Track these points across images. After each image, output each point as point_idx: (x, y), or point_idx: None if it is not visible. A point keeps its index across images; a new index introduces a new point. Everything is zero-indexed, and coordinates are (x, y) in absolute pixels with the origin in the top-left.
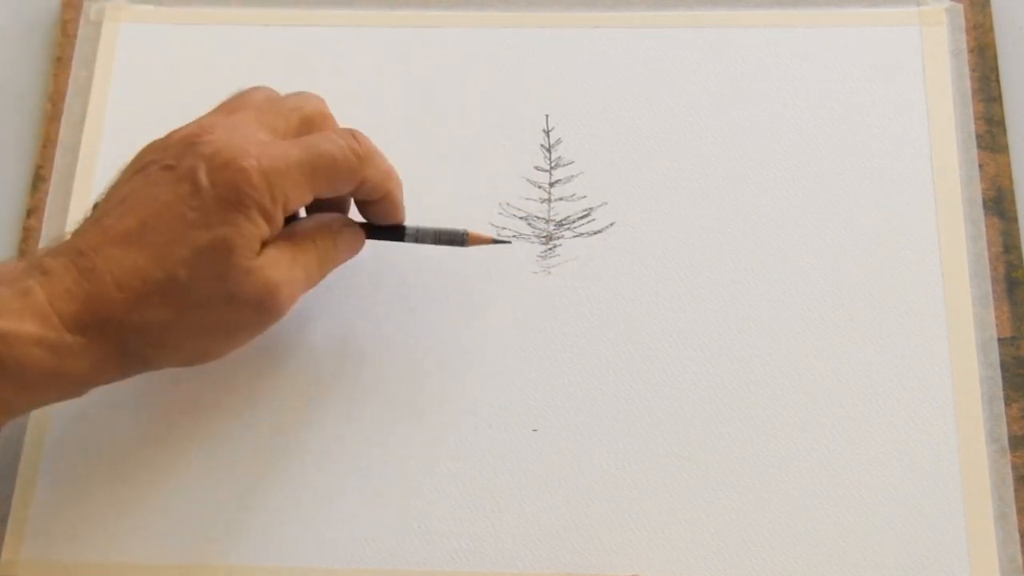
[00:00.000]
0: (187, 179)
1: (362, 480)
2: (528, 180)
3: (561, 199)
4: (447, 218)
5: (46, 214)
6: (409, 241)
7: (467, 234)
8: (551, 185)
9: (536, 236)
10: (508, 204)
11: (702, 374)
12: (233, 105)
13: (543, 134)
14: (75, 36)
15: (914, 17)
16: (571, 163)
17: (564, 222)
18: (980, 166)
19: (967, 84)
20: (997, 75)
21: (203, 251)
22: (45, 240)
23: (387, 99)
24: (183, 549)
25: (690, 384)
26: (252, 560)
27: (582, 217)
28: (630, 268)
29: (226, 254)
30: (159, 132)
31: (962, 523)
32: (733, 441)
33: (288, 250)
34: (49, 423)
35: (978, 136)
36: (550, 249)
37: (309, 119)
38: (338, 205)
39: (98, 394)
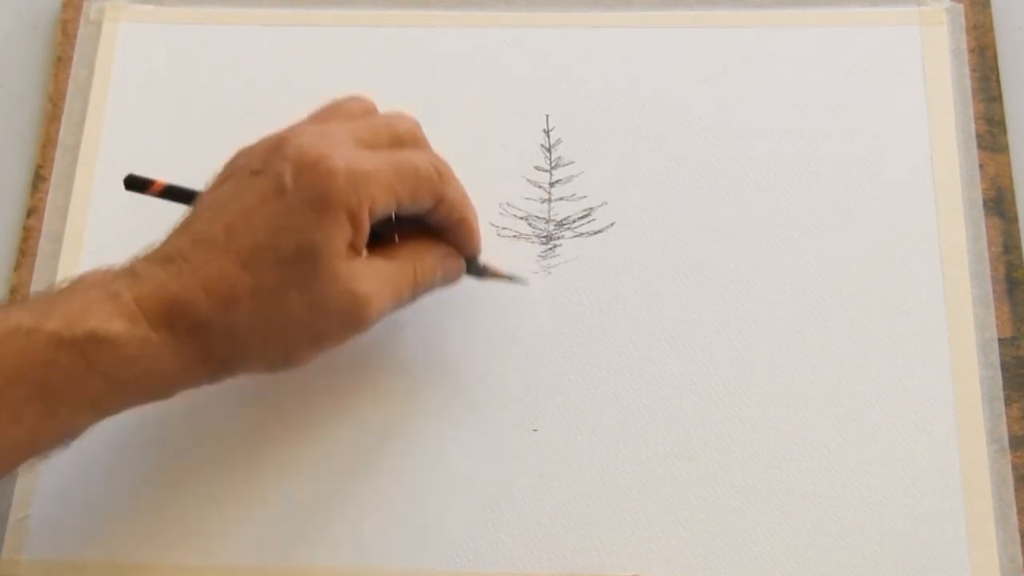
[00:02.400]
0: (273, 182)
1: (362, 480)
2: (528, 180)
3: (561, 199)
4: None
5: (46, 214)
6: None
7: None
8: (551, 185)
9: (536, 236)
10: (508, 204)
11: (702, 374)
12: (325, 114)
13: (543, 134)
14: (75, 36)
15: (914, 17)
16: (571, 163)
17: (564, 222)
18: (980, 166)
19: (967, 84)
20: (997, 75)
21: (289, 256)
22: (45, 240)
23: (387, 99)
24: (183, 549)
25: (690, 384)
26: (251, 560)
27: (582, 217)
28: (630, 268)
29: (314, 259)
30: (159, 132)
31: (962, 523)
32: (733, 441)
33: (383, 266)
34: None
35: (978, 136)
36: (550, 249)
37: (400, 138)
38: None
39: None
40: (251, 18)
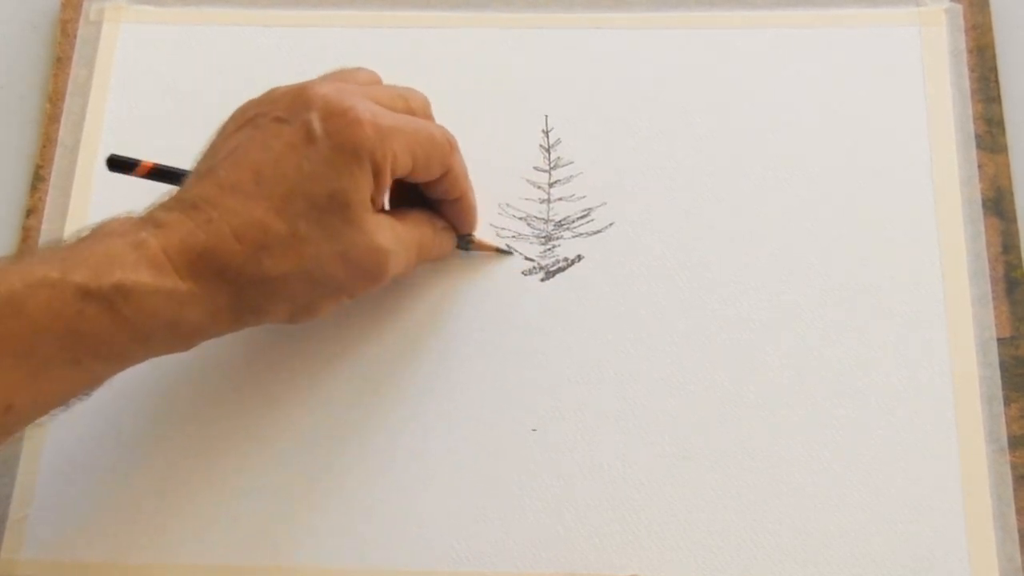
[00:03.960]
0: (301, 130)
1: (362, 481)
2: (527, 180)
3: (560, 199)
4: None
5: (46, 214)
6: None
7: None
8: (550, 185)
9: (535, 236)
10: (508, 204)
11: (701, 374)
12: (337, 76)
13: (543, 134)
14: (75, 36)
15: (913, 17)
16: (571, 163)
17: (563, 222)
18: (979, 166)
19: (966, 84)
20: (996, 75)
21: (321, 204)
22: (45, 240)
23: None
24: (182, 549)
25: (689, 384)
26: (250, 560)
27: (581, 217)
28: (629, 268)
29: (343, 208)
30: (159, 132)
31: (961, 523)
32: (731, 441)
33: (399, 224)
34: (49, 423)
35: (977, 136)
36: (549, 250)
37: (412, 109)
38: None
39: (98, 393)
40: (251, 18)
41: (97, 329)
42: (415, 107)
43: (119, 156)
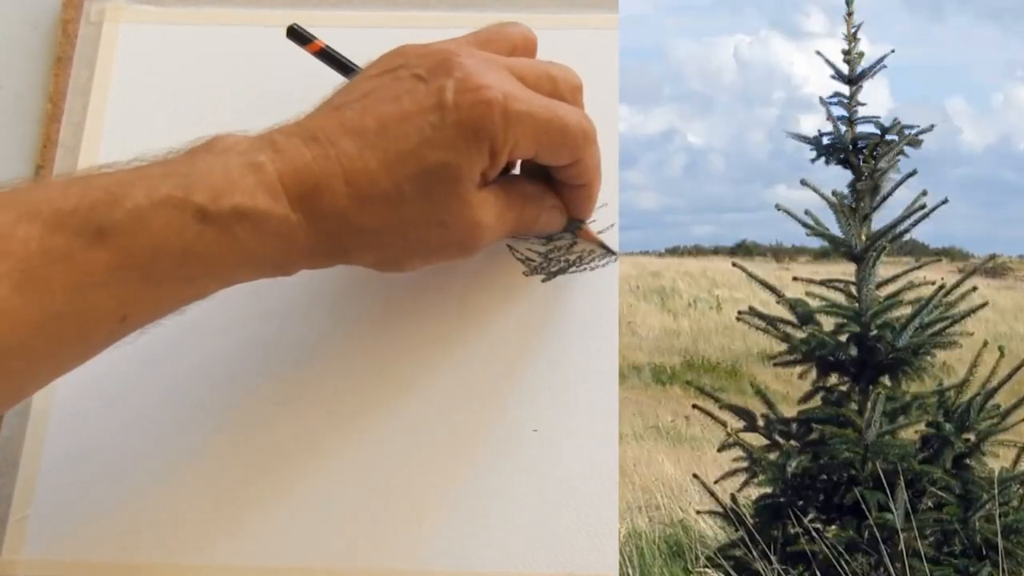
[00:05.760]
0: (435, 94)
1: (362, 481)
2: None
3: None
4: None
5: None
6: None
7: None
8: None
9: (536, 237)
10: None
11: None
12: (488, 36)
13: None
14: (75, 36)
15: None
16: None
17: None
18: None
19: None
20: None
21: (431, 171)
22: None
23: None
24: (182, 549)
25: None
26: (250, 560)
27: None
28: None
29: (452, 181)
30: (159, 132)
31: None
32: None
33: (502, 198)
34: (49, 423)
35: None
36: (551, 250)
37: (559, 90)
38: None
39: (98, 393)
40: (251, 18)
41: (213, 250)
42: (563, 90)
43: (299, 28)
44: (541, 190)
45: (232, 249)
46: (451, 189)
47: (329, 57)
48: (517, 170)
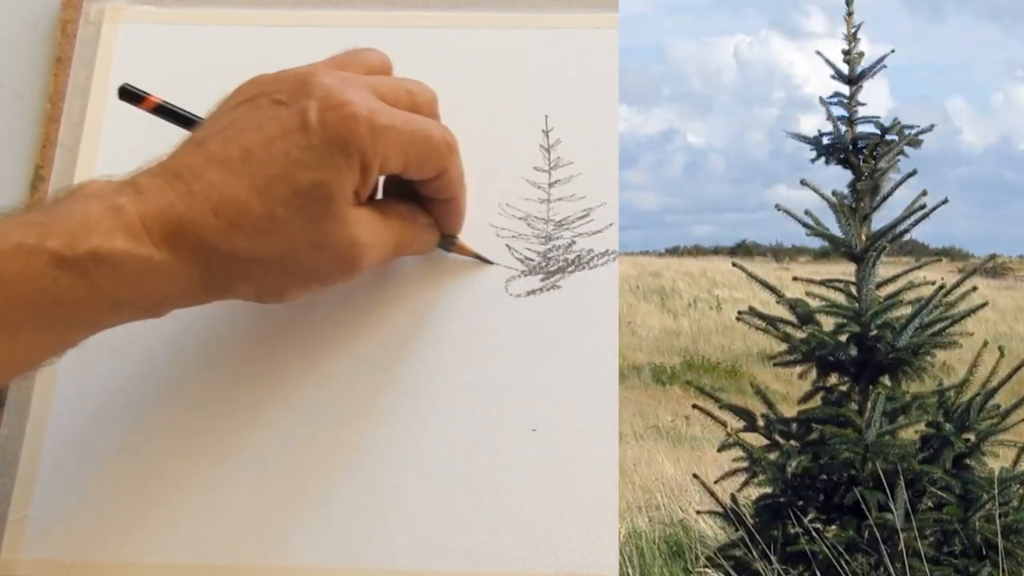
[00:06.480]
0: (298, 115)
1: (361, 481)
2: (527, 180)
3: (560, 199)
4: None
5: None
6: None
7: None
8: (550, 185)
9: (535, 236)
10: (508, 204)
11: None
12: (344, 60)
13: (543, 134)
14: (75, 36)
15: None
16: (570, 163)
17: (563, 222)
18: None
19: None
20: None
21: (303, 192)
22: None
23: None
24: (182, 548)
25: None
26: (250, 560)
27: (581, 217)
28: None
29: (325, 199)
30: (158, 133)
31: None
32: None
33: (377, 217)
34: (49, 423)
35: None
36: (549, 250)
37: (417, 105)
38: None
39: (98, 392)
40: (251, 18)
41: (70, 297)
42: (420, 103)
43: (131, 87)
44: (412, 210)
45: (92, 294)
46: (325, 208)
47: (167, 112)
48: (380, 195)
